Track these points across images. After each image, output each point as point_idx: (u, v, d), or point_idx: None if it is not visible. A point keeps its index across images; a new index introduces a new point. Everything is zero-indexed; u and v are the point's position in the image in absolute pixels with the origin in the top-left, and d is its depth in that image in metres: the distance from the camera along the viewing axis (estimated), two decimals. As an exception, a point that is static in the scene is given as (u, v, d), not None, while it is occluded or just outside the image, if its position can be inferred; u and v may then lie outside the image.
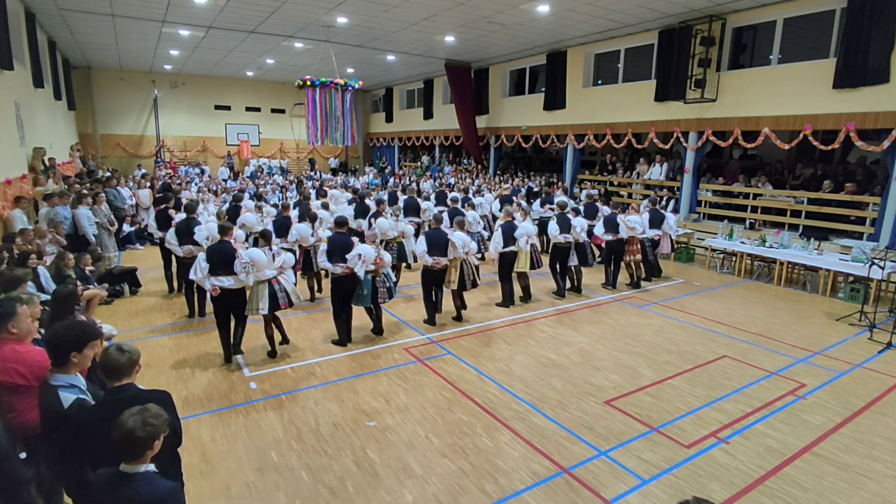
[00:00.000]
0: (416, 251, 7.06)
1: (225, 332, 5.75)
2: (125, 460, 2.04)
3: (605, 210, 9.88)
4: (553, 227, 8.20)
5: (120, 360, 2.47)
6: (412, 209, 10.44)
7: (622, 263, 9.08)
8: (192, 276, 5.65)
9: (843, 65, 8.96)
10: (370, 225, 8.66)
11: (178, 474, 2.62)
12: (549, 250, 8.61)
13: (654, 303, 8.32)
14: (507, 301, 7.93)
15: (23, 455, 2.66)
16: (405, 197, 10.97)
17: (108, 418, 2.21)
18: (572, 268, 8.49)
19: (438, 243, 6.84)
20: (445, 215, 7.89)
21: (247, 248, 6.11)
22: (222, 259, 5.50)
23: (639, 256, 9.07)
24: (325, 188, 14.20)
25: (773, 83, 10.27)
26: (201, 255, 5.60)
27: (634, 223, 8.74)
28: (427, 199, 12.02)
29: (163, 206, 8.33)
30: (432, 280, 7.03)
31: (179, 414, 4.77)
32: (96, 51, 16.17)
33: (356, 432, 4.41)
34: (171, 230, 7.29)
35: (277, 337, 6.14)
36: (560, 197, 11.11)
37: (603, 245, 9.01)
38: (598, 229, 8.86)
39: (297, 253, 7.74)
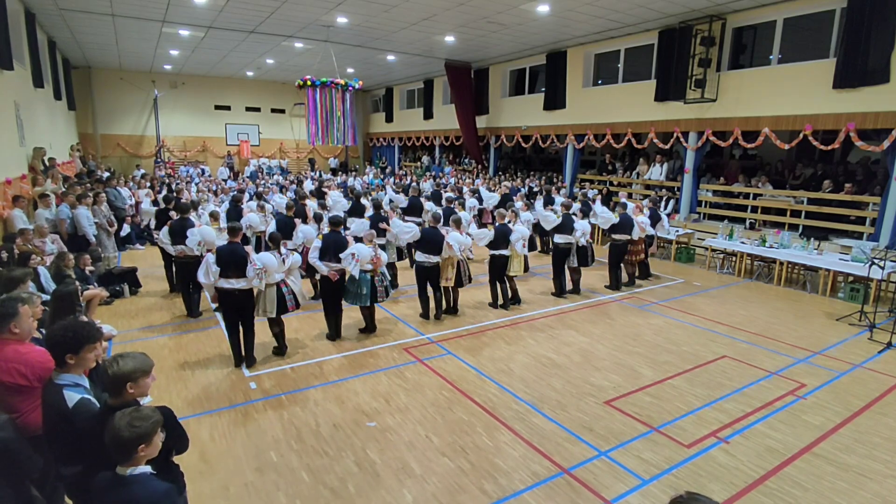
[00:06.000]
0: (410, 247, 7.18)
1: (235, 337, 5.67)
2: (118, 462, 2.04)
3: (599, 208, 9.87)
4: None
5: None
6: (415, 209, 10.42)
7: (623, 263, 9.08)
8: (200, 278, 5.45)
9: (843, 65, 8.96)
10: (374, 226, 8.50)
11: (172, 477, 2.47)
12: (552, 251, 8.60)
13: (654, 303, 8.32)
14: (496, 303, 7.89)
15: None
16: (409, 197, 10.94)
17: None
18: (568, 268, 8.49)
19: (434, 242, 6.99)
20: (442, 214, 7.96)
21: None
22: (233, 260, 5.36)
23: (642, 256, 9.14)
24: (323, 189, 14.15)
25: (773, 83, 10.27)
26: (210, 257, 5.40)
27: (644, 223, 8.85)
28: (428, 198, 12.00)
29: (163, 207, 8.37)
30: (425, 276, 7.18)
31: (179, 414, 4.75)
32: (96, 51, 16.17)
33: (356, 433, 4.41)
34: (165, 228, 7.39)
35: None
36: (561, 199, 11.03)
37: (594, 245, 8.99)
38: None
39: (302, 253, 7.72)
